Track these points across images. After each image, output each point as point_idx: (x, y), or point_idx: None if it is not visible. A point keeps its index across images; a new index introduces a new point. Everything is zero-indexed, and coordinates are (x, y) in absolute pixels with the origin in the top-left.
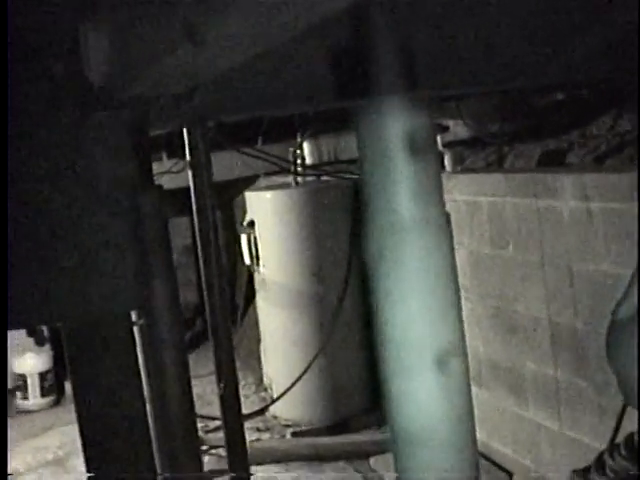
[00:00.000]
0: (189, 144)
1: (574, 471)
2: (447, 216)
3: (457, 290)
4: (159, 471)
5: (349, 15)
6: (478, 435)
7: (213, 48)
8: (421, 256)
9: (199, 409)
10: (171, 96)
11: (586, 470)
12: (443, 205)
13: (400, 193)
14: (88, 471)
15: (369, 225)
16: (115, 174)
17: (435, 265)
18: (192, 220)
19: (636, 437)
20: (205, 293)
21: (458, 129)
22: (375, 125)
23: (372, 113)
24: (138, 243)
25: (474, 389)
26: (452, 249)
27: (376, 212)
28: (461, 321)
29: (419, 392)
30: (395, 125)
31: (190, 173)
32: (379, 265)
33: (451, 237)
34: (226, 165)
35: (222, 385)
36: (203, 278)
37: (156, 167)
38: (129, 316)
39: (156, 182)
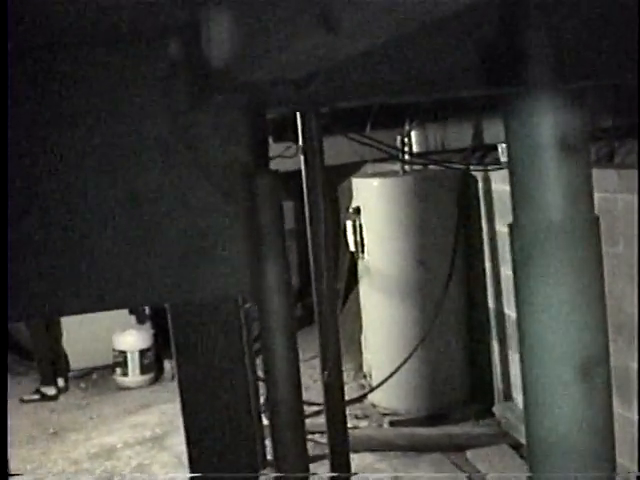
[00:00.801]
0: (302, 129)
1: None
2: (597, 219)
3: (603, 298)
4: (262, 454)
5: (494, 4)
6: None
7: (346, 34)
8: (568, 258)
9: None
10: (289, 82)
11: None
12: (593, 207)
13: (550, 193)
14: (188, 450)
15: (517, 223)
16: (230, 158)
17: (581, 268)
18: (298, 204)
19: None
20: (313, 278)
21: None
22: (526, 121)
23: (523, 108)
24: (251, 227)
25: None
26: (600, 253)
27: (525, 210)
28: (606, 329)
29: (561, 401)
30: (547, 121)
31: (302, 158)
32: (525, 265)
33: (599, 240)
34: (333, 150)
35: (326, 373)
36: (312, 262)
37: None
38: (236, 300)
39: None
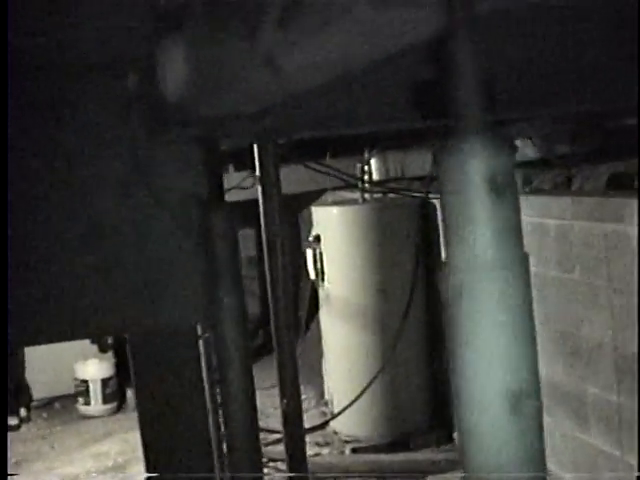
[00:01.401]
0: (259, 160)
1: None
2: (526, 257)
3: (534, 332)
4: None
5: (428, 44)
6: None
7: (290, 74)
8: (499, 297)
9: (259, 422)
10: (244, 115)
11: None
12: (522, 245)
13: (480, 232)
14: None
15: (448, 260)
16: (185, 190)
17: (513, 306)
18: (257, 232)
19: None
20: (271, 307)
21: (527, 149)
22: (456, 162)
23: (454, 150)
24: (207, 258)
25: None
26: (530, 290)
27: (456, 248)
28: (536, 363)
29: (492, 431)
30: (477, 162)
31: (259, 188)
32: (456, 303)
33: (529, 278)
34: (292, 179)
35: (285, 400)
36: (269, 291)
37: (224, 180)
38: (195, 329)
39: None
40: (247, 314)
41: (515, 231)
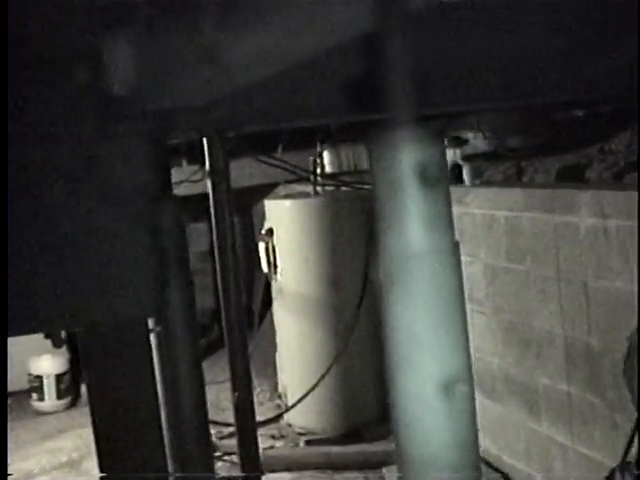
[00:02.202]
0: (208, 154)
1: None
2: (457, 246)
3: (465, 318)
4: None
5: (365, 39)
6: (492, 448)
7: (233, 67)
8: (430, 285)
9: (214, 415)
10: (191, 109)
11: None
12: (453, 234)
13: (410, 221)
14: (101, 474)
15: (381, 249)
16: (134, 183)
17: (444, 294)
18: (210, 226)
19: None
20: (221, 300)
21: (477, 142)
22: (387, 153)
23: (384, 140)
24: (155, 251)
25: (488, 402)
26: (461, 278)
27: (387, 238)
28: (468, 349)
29: (425, 417)
30: (407, 154)
31: (209, 182)
32: (388, 292)
33: (460, 266)
34: (246, 172)
35: (236, 394)
36: (220, 284)
37: (176, 173)
38: (146, 323)
39: (176, 189)
40: (196, 308)
41: (446, 220)
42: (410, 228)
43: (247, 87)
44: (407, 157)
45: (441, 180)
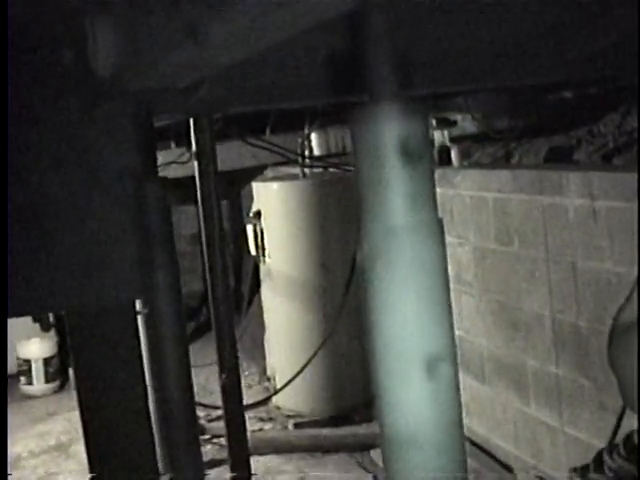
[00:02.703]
0: (195, 135)
1: (573, 469)
2: (440, 222)
3: (448, 296)
4: (158, 458)
5: (348, 17)
6: (480, 430)
7: (215, 45)
8: (413, 261)
9: (202, 398)
10: (177, 89)
11: (585, 468)
12: (436, 210)
13: (393, 198)
14: (88, 457)
15: (363, 227)
16: (119, 165)
17: (427, 270)
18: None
19: (635, 437)
20: (208, 282)
21: (466, 124)
22: (369, 129)
23: (366, 116)
24: (141, 233)
25: (476, 384)
26: (444, 254)
27: (370, 215)
28: (452, 327)
29: (408, 396)
30: (389, 129)
31: (195, 163)
32: (371, 269)
33: (443, 243)
34: (234, 155)
35: (223, 375)
36: (207, 267)
37: (164, 155)
38: (133, 305)
39: (164, 171)
40: (182, 289)
41: (428, 196)
42: (392, 204)
43: (230, 67)
44: (388, 133)
45: (423, 156)
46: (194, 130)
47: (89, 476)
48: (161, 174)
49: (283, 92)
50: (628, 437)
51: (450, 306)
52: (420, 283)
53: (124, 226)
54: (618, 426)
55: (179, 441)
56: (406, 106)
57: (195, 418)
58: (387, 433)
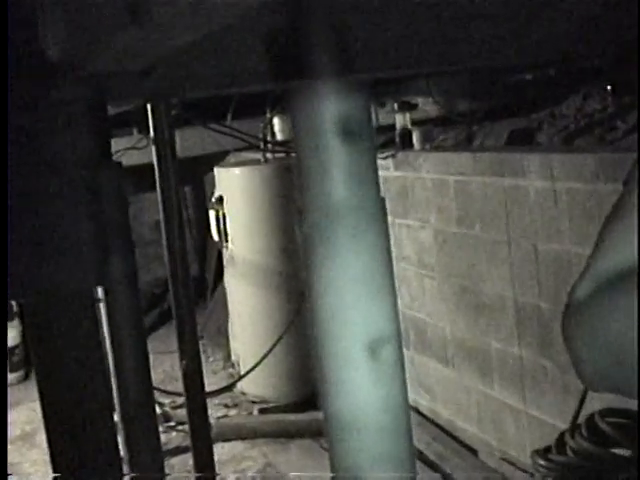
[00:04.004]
0: (153, 120)
1: (535, 451)
2: (382, 201)
3: (392, 276)
4: (120, 447)
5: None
6: (444, 413)
7: (159, 27)
8: (355, 240)
9: (167, 385)
10: (130, 73)
11: (547, 450)
12: (378, 189)
13: (334, 177)
14: (50, 447)
15: (304, 208)
16: (73, 151)
17: (369, 250)
18: None
19: (597, 417)
20: (167, 268)
21: (428, 107)
22: (309, 109)
23: (305, 97)
24: (97, 220)
25: (440, 367)
26: (387, 234)
27: (311, 195)
28: (396, 308)
29: (351, 378)
30: (328, 109)
31: (154, 149)
32: (313, 248)
33: (386, 222)
34: (197, 141)
35: (184, 362)
36: (166, 255)
37: (126, 142)
38: (91, 293)
39: (128, 157)
40: (138, 277)
41: (370, 175)
42: (333, 183)
43: (181, 51)
44: (328, 112)
45: (364, 135)
46: (151, 116)
47: (51, 476)
48: (124, 161)
49: (233, 77)
50: (590, 418)
51: (394, 286)
52: (362, 263)
53: (80, 213)
54: (580, 407)
55: (138, 429)
56: (345, 86)
57: (154, 406)
58: (330, 416)
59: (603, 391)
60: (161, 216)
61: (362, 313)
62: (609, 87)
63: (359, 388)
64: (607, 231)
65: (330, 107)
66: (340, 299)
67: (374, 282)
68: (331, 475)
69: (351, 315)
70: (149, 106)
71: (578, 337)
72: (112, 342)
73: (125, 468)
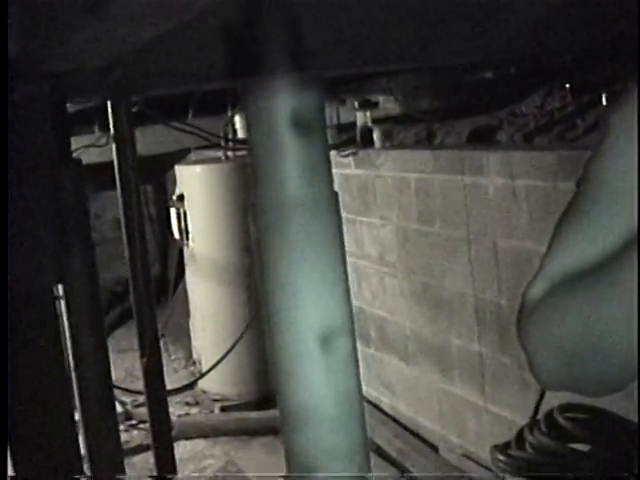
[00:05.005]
0: (113, 118)
1: (494, 446)
2: (335, 195)
3: (344, 269)
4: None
5: None
6: (406, 410)
7: (117, 22)
8: (307, 233)
9: (128, 383)
10: (91, 70)
11: (506, 445)
12: (331, 183)
13: (287, 171)
14: (10, 445)
15: (257, 202)
16: (32, 149)
17: (321, 243)
18: None
19: (556, 413)
20: (128, 267)
21: (388, 105)
22: (262, 104)
23: (259, 92)
24: (57, 218)
25: (401, 365)
26: (340, 228)
27: (264, 189)
28: (349, 301)
29: (304, 370)
30: (283, 104)
31: (114, 147)
32: (267, 243)
33: (339, 216)
34: (158, 139)
35: (144, 359)
36: (127, 253)
37: (87, 140)
38: (51, 291)
39: (85, 155)
40: (98, 274)
41: (322, 169)
42: (285, 176)
43: (140, 48)
44: (281, 106)
45: (317, 129)
46: (112, 113)
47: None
48: (85, 159)
49: (191, 74)
50: (549, 414)
51: (347, 280)
52: (315, 257)
53: (41, 211)
54: (539, 403)
55: (98, 428)
56: (299, 80)
57: (114, 404)
58: (284, 407)
59: (557, 390)
60: (121, 214)
61: (315, 306)
62: (568, 86)
63: (312, 380)
64: (559, 231)
65: (284, 102)
66: (293, 292)
67: (327, 275)
68: (285, 472)
69: (304, 308)
70: (109, 103)
71: (532, 337)
72: (72, 340)
73: (85, 467)
